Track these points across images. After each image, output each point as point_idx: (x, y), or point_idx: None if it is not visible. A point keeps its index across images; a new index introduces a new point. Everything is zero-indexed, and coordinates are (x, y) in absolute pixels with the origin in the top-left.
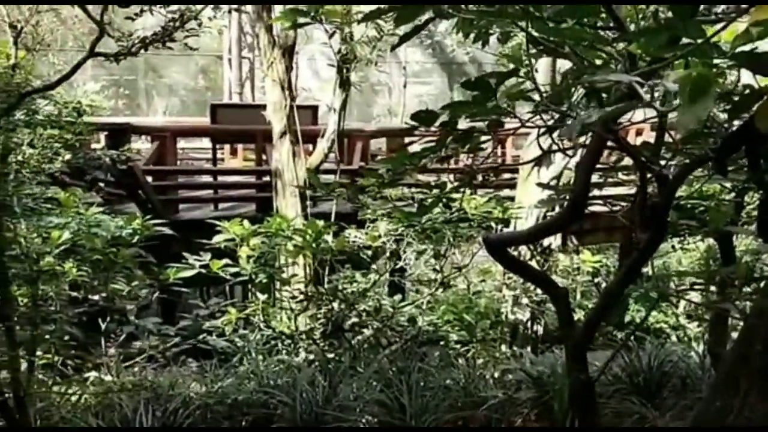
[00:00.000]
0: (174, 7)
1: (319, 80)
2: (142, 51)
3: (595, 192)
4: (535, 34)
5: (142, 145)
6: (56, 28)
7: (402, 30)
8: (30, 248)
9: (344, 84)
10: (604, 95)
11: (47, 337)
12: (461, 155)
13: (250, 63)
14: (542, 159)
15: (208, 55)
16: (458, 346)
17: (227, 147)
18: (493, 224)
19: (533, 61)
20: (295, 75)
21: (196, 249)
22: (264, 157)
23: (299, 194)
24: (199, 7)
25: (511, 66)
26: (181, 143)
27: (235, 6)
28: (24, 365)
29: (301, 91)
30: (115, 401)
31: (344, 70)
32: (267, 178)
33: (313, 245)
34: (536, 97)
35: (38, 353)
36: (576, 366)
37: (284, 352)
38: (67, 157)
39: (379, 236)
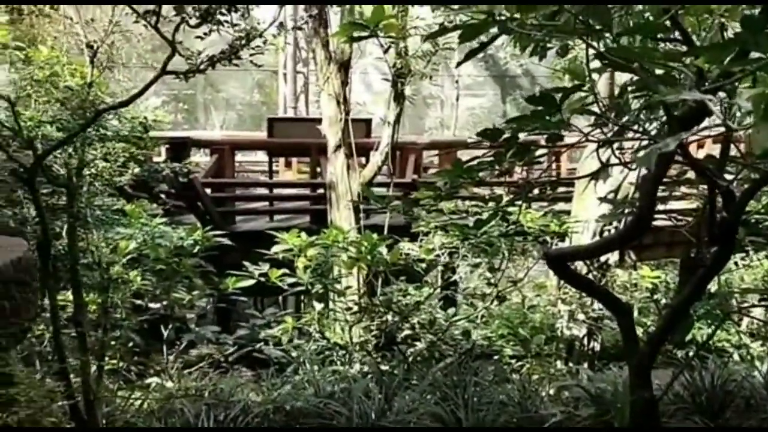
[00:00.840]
0: (234, 23)
1: (371, 94)
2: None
3: (658, 206)
4: (598, 48)
5: (200, 158)
6: (121, 46)
7: (456, 43)
8: (101, 257)
9: (398, 97)
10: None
11: (113, 343)
12: (515, 168)
13: (305, 78)
14: (600, 172)
15: (264, 70)
16: (513, 361)
17: (282, 160)
18: (548, 238)
19: (596, 75)
20: (349, 89)
21: (252, 259)
22: (318, 169)
23: (353, 207)
24: (264, 25)
25: (566, 79)
26: (238, 156)
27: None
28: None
29: (355, 105)
30: (177, 406)
31: (399, 84)
32: (321, 191)
33: (368, 257)
34: (595, 109)
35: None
36: (639, 384)
37: (338, 362)
38: (136, 170)
39: (434, 249)
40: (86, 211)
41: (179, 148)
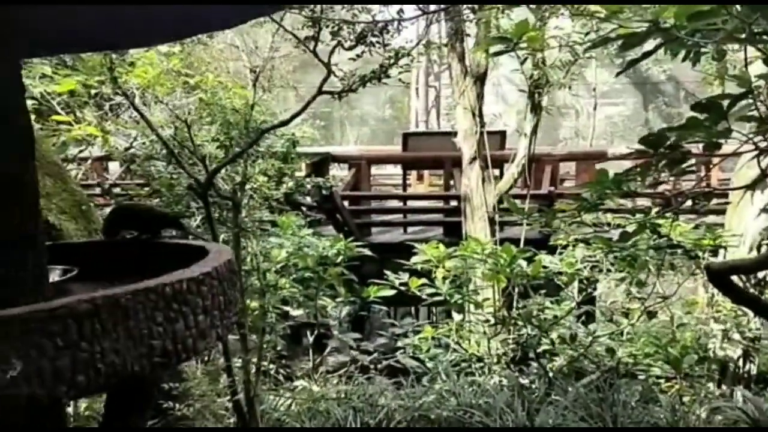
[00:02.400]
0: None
1: (504, 105)
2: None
3: None
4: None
5: (337, 172)
6: (268, 68)
7: (595, 53)
8: (259, 265)
9: (535, 108)
10: None
11: (264, 346)
12: (662, 179)
13: (436, 91)
14: (758, 182)
15: (396, 86)
16: (660, 381)
17: (414, 173)
18: (699, 253)
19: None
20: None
21: (387, 269)
22: (451, 182)
23: (488, 219)
24: (412, 43)
25: (716, 83)
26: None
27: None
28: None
29: (490, 116)
30: (322, 408)
31: (536, 95)
32: (454, 203)
33: (507, 269)
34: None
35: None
36: None
37: (477, 374)
38: (290, 184)
39: (576, 262)
40: (247, 222)
41: (320, 163)
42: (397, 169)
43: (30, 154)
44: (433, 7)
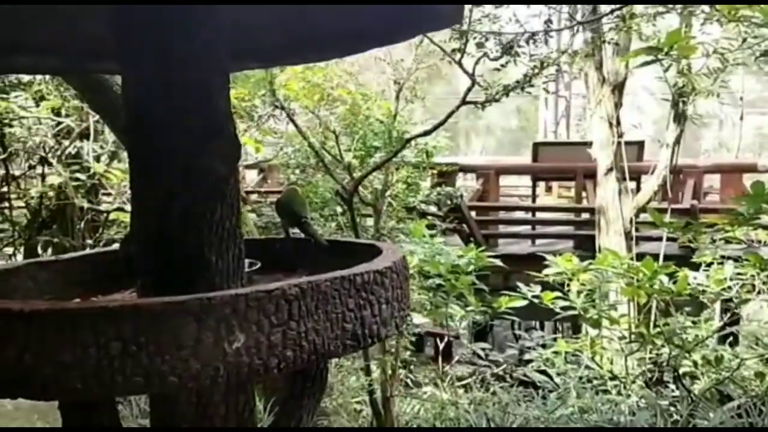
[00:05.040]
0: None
1: (639, 115)
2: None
3: None
4: None
5: (463, 183)
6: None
7: (743, 59)
8: None
9: (679, 118)
10: None
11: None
12: None
13: (566, 101)
14: None
15: (524, 96)
16: None
17: (542, 184)
18: None
19: None
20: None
21: (513, 281)
22: (583, 194)
23: (624, 233)
24: (552, 53)
25: None
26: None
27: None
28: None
29: (628, 126)
30: (452, 415)
31: (680, 104)
32: (586, 216)
33: (648, 285)
34: None
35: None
36: None
37: (613, 392)
38: (426, 192)
39: (725, 280)
40: (384, 228)
41: (449, 173)
42: (523, 180)
43: (236, 158)
44: (579, 16)
